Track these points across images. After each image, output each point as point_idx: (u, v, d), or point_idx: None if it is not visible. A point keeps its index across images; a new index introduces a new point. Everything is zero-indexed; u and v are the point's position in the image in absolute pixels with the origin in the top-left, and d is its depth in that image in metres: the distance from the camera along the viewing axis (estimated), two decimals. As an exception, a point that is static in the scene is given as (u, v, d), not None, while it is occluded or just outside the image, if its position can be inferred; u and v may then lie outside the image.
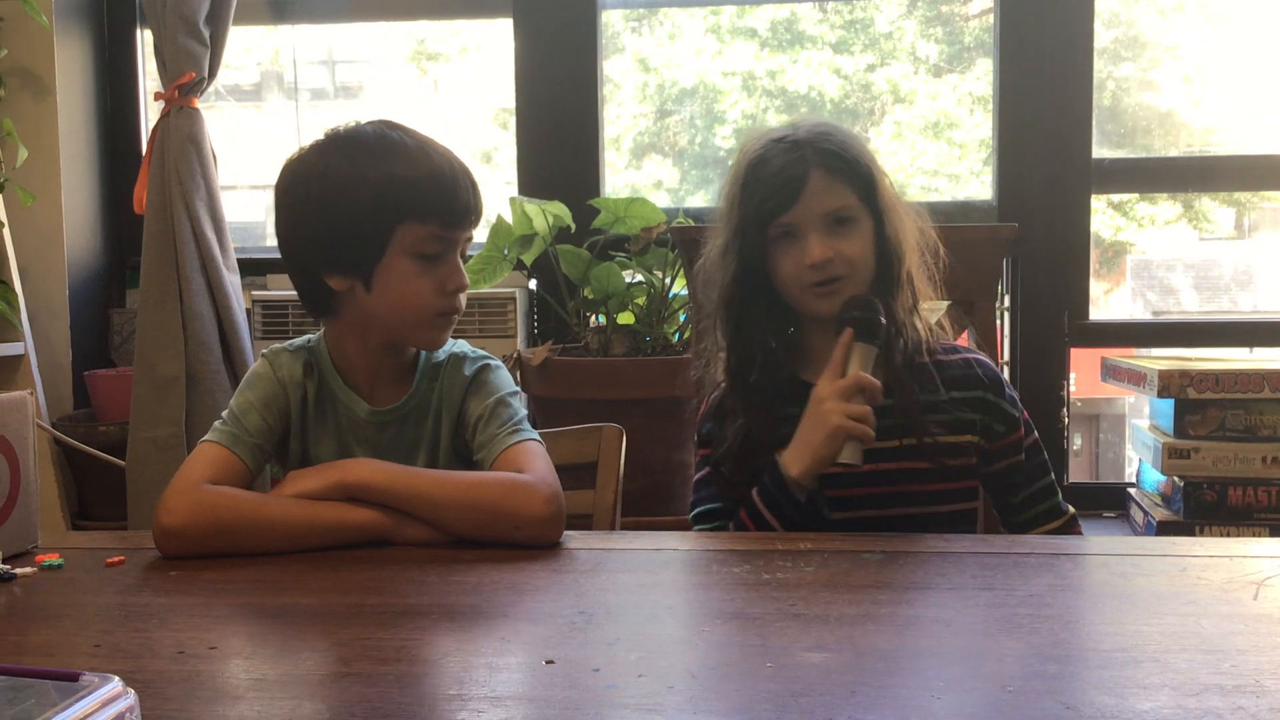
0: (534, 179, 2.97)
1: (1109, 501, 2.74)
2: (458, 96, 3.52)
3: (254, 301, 2.85)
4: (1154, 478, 2.44)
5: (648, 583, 1.19)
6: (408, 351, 1.48)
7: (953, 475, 1.49)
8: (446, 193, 1.38)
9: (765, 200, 1.46)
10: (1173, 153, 3.18)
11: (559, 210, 2.65)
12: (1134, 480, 2.63)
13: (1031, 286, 2.80)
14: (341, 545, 1.31)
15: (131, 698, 0.68)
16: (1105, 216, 3.50)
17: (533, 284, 2.93)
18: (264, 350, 1.50)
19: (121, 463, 2.72)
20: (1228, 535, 2.25)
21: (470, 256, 2.57)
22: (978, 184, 3.12)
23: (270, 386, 1.45)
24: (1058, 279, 2.79)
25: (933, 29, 3.20)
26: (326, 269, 1.39)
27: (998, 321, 2.57)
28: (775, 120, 3.26)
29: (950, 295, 1.64)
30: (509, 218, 2.65)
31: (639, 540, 1.36)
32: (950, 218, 2.10)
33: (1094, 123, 2.80)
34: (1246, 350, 2.90)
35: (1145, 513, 2.41)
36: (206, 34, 2.77)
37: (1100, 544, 1.35)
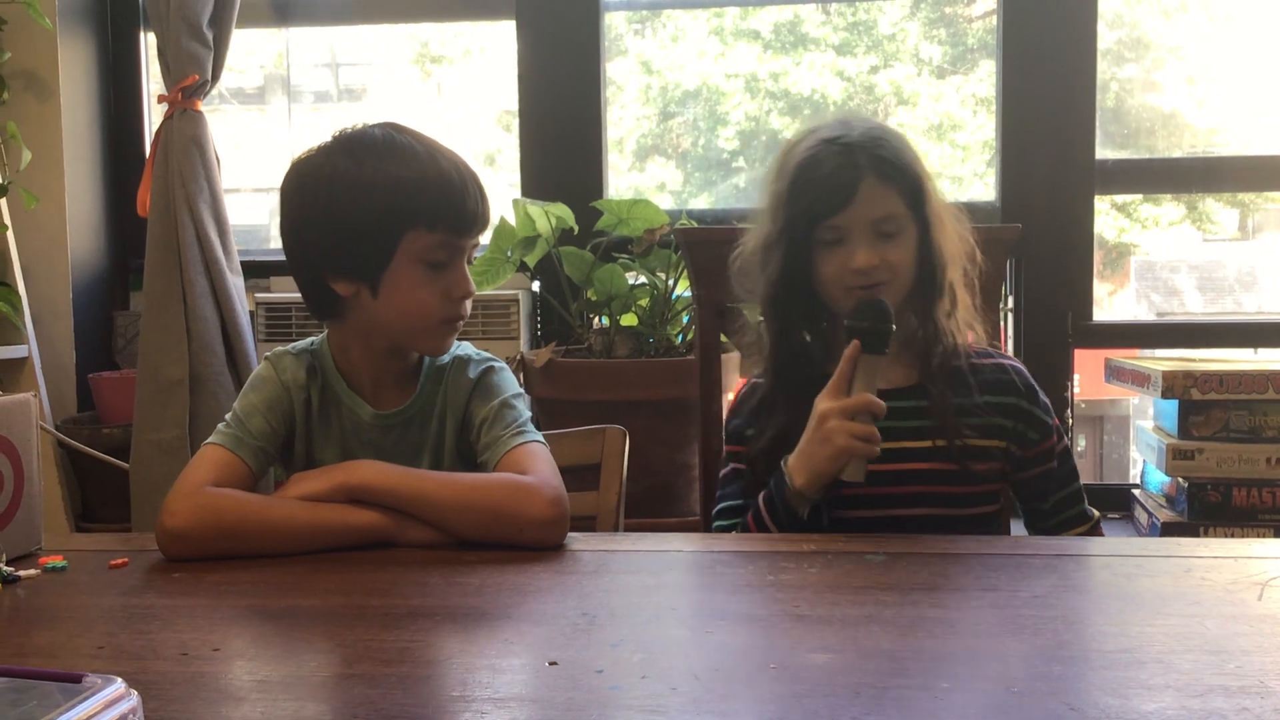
0: (537, 181, 2.97)
1: (1113, 503, 2.74)
2: (461, 99, 3.53)
3: (257, 304, 2.85)
4: (1158, 479, 2.43)
5: (651, 584, 1.19)
6: (411, 355, 1.48)
7: (978, 479, 1.49)
8: (455, 200, 1.38)
9: (816, 202, 1.45)
10: (1176, 154, 3.18)
11: (562, 212, 2.65)
12: (1138, 481, 2.62)
13: (1035, 288, 2.79)
14: (345, 547, 1.31)
15: (135, 699, 0.68)
16: (1109, 218, 3.50)
17: (536, 286, 2.93)
18: (267, 353, 1.50)
19: (125, 465, 2.72)
20: (1232, 536, 2.24)
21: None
22: (981, 185, 3.12)
23: (274, 389, 1.44)
24: (1061, 280, 2.79)
25: (936, 30, 3.20)
26: (332, 274, 1.39)
27: (1001, 323, 2.57)
28: (779, 122, 3.27)
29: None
30: (512, 219, 2.65)
31: (642, 542, 1.35)
32: (954, 219, 2.09)
33: (1097, 124, 2.79)
34: (1251, 351, 2.90)
35: (1149, 514, 2.41)
36: (210, 36, 2.77)
37: (1104, 545, 1.35)
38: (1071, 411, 2.77)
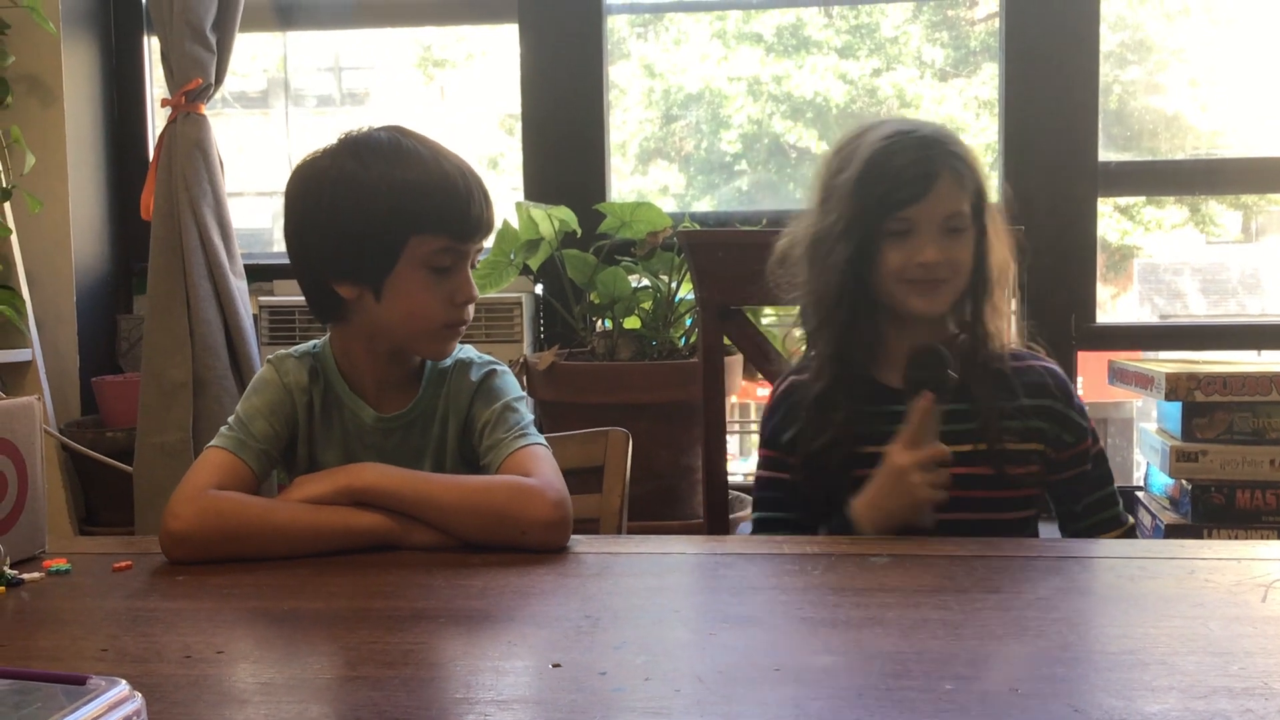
0: (540, 184, 2.98)
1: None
2: (464, 102, 3.53)
3: (261, 307, 2.86)
4: (1161, 481, 2.43)
5: (654, 586, 1.19)
6: (414, 358, 1.48)
7: (1016, 483, 1.49)
8: (460, 205, 1.37)
9: (892, 191, 1.45)
10: (1179, 156, 3.18)
11: (565, 215, 2.65)
12: (1142, 484, 2.62)
13: (1038, 290, 2.79)
14: (348, 550, 1.31)
15: (138, 701, 0.68)
16: (1112, 220, 3.50)
17: (539, 289, 2.93)
18: (270, 356, 1.50)
19: (128, 468, 2.73)
20: (1235, 538, 2.24)
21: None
22: (984, 188, 3.11)
23: (276, 392, 1.45)
24: (1064, 282, 2.79)
25: (938, 33, 3.20)
26: (337, 276, 1.39)
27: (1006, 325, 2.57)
28: (781, 125, 3.27)
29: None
30: (515, 223, 2.66)
31: (645, 544, 1.35)
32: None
33: (1100, 126, 2.79)
34: (1254, 353, 2.89)
35: (1153, 516, 2.41)
36: (213, 40, 2.78)
37: (1108, 547, 1.35)
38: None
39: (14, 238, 2.73)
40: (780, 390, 1.60)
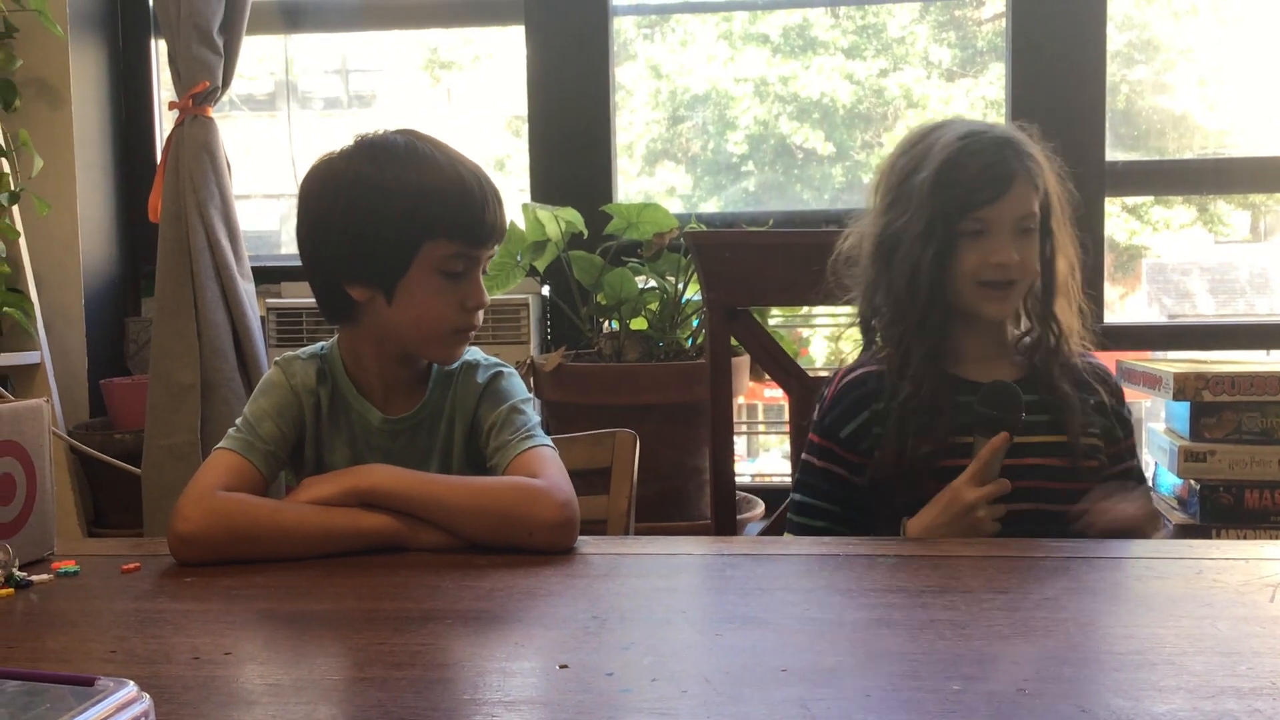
0: (546, 185, 2.98)
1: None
2: (470, 104, 3.54)
3: (268, 309, 2.86)
4: (1170, 481, 2.42)
5: (661, 587, 1.19)
6: (421, 360, 1.48)
7: (1086, 475, 1.51)
8: (475, 211, 1.38)
9: (971, 192, 1.47)
10: (1187, 155, 3.17)
11: (571, 216, 2.65)
12: (1150, 484, 2.61)
13: (1045, 290, 2.78)
14: (356, 551, 1.31)
15: (147, 702, 0.68)
16: (1120, 220, 3.49)
17: (545, 290, 2.93)
18: (277, 358, 1.50)
19: (137, 470, 2.73)
20: (1243, 538, 2.23)
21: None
22: (991, 188, 3.11)
23: (284, 394, 1.45)
24: (1072, 282, 2.78)
25: (945, 33, 3.20)
26: (349, 279, 1.39)
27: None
28: (788, 126, 3.27)
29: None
30: (522, 224, 2.66)
31: (653, 545, 1.35)
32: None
33: (1107, 126, 2.79)
34: (1263, 353, 2.89)
35: (1161, 516, 2.40)
36: (220, 43, 2.78)
37: (1115, 547, 1.34)
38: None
39: (22, 240, 2.74)
40: (846, 382, 1.59)
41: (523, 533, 1.30)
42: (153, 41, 3.16)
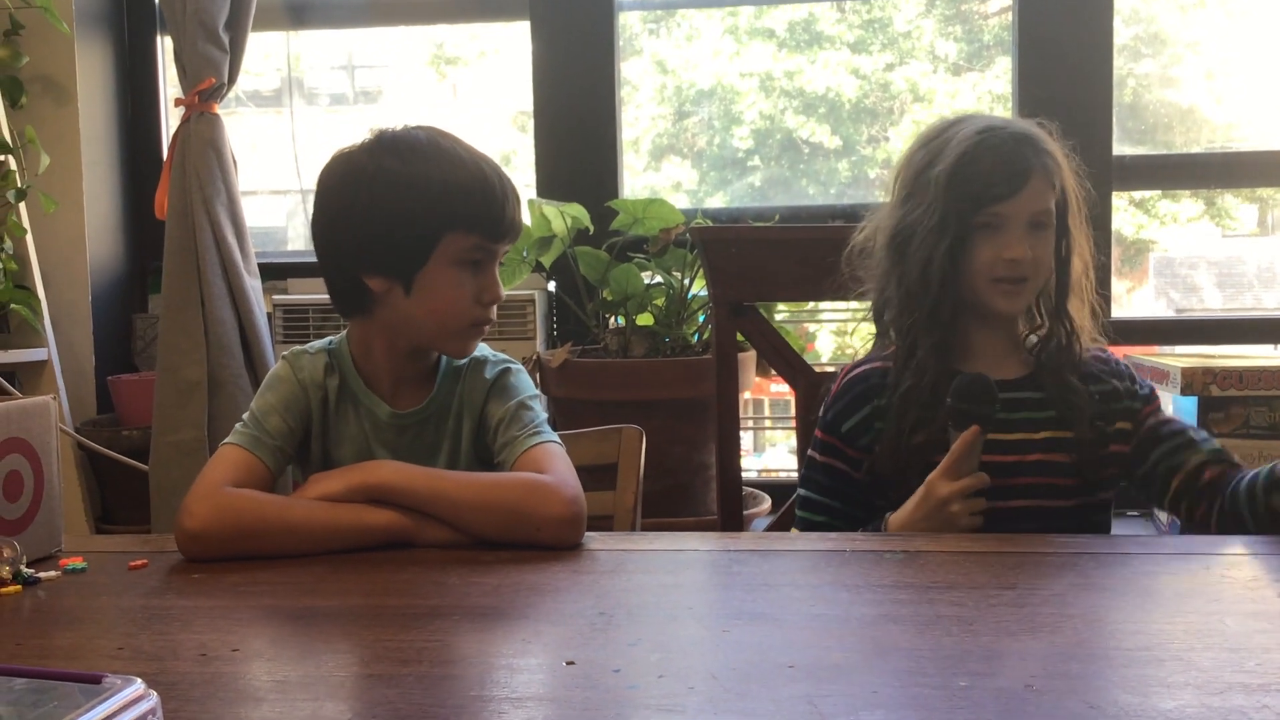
0: (552, 181, 2.98)
1: (1132, 500, 2.72)
2: (476, 100, 3.53)
3: (275, 306, 2.87)
4: (1178, 476, 2.42)
5: (668, 583, 1.19)
6: (430, 355, 1.49)
7: (1091, 471, 1.51)
8: (495, 205, 1.39)
9: (989, 185, 1.47)
10: (1194, 149, 3.16)
11: (577, 212, 2.65)
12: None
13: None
14: (363, 547, 1.31)
15: (154, 700, 0.69)
16: (1127, 214, 3.48)
17: (551, 286, 2.93)
18: (284, 353, 1.50)
19: (144, 467, 2.74)
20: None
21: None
22: (998, 182, 3.10)
23: (291, 389, 1.45)
24: (1079, 277, 2.77)
25: (951, 27, 3.19)
26: (367, 270, 1.39)
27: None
28: (794, 121, 3.26)
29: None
30: (528, 220, 2.66)
31: (659, 541, 1.35)
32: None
33: (1115, 120, 2.78)
34: (1271, 347, 2.88)
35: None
36: (226, 40, 2.79)
37: (1123, 542, 1.34)
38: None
39: (29, 237, 2.75)
40: (848, 378, 1.59)
41: (530, 529, 1.30)
42: (158, 38, 3.17)
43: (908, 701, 0.82)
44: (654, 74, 3.32)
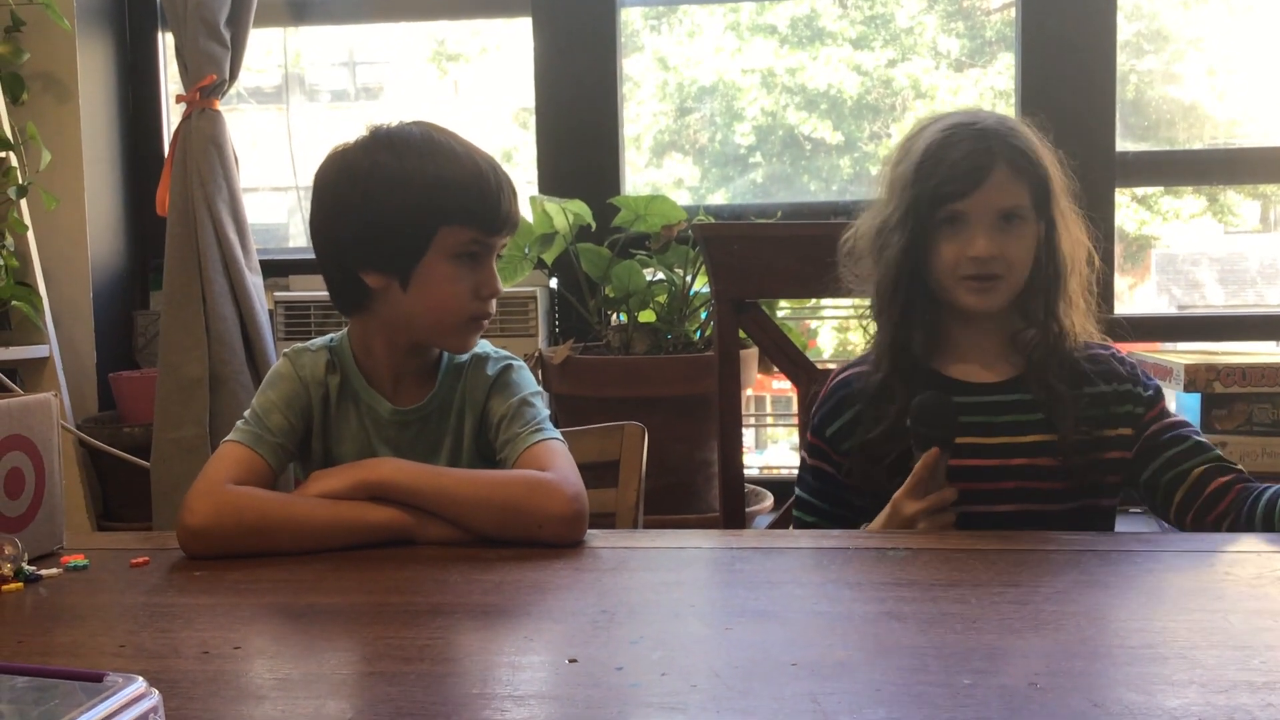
0: (554, 178, 2.97)
1: (1136, 497, 2.72)
2: (477, 96, 3.53)
3: (276, 302, 2.86)
4: (1180, 473, 2.42)
5: (670, 581, 1.19)
6: (431, 352, 1.49)
7: (1080, 474, 1.48)
8: (490, 199, 1.39)
9: (944, 184, 1.44)
10: (1197, 145, 3.15)
11: (579, 209, 2.65)
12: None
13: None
14: (365, 544, 1.31)
15: (156, 698, 0.68)
16: (1129, 210, 3.48)
17: (553, 283, 2.93)
18: (286, 350, 1.50)
19: (146, 464, 2.74)
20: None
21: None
22: (1000, 179, 3.09)
23: (292, 386, 1.45)
24: (1081, 274, 2.77)
25: (954, 23, 3.19)
26: (364, 266, 1.39)
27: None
28: (795, 117, 3.26)
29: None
30: (529, 217, 2.65)
31: (661, 539, 1.35)
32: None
33: (1117, 116, 2.78)
34: (1274, 344, 2.88)
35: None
36: (227, 36, 2.78)
37: (1127, 540, 1.34)
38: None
39: (30, 234, 2.74)
40: (833, 382, 1.59)
41: (532, 526, 1.30)
42: (160, 35, 3.16)
43: (911, 699, 0.81)
44: (656, 70, 3.32)
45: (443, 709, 0.82)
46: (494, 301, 1.44)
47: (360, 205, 1.37)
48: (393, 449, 1.45)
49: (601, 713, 0.81)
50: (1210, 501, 1.46)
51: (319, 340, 1.50)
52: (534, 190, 2.95)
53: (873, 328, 1.60)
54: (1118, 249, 2.85)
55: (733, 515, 2.06)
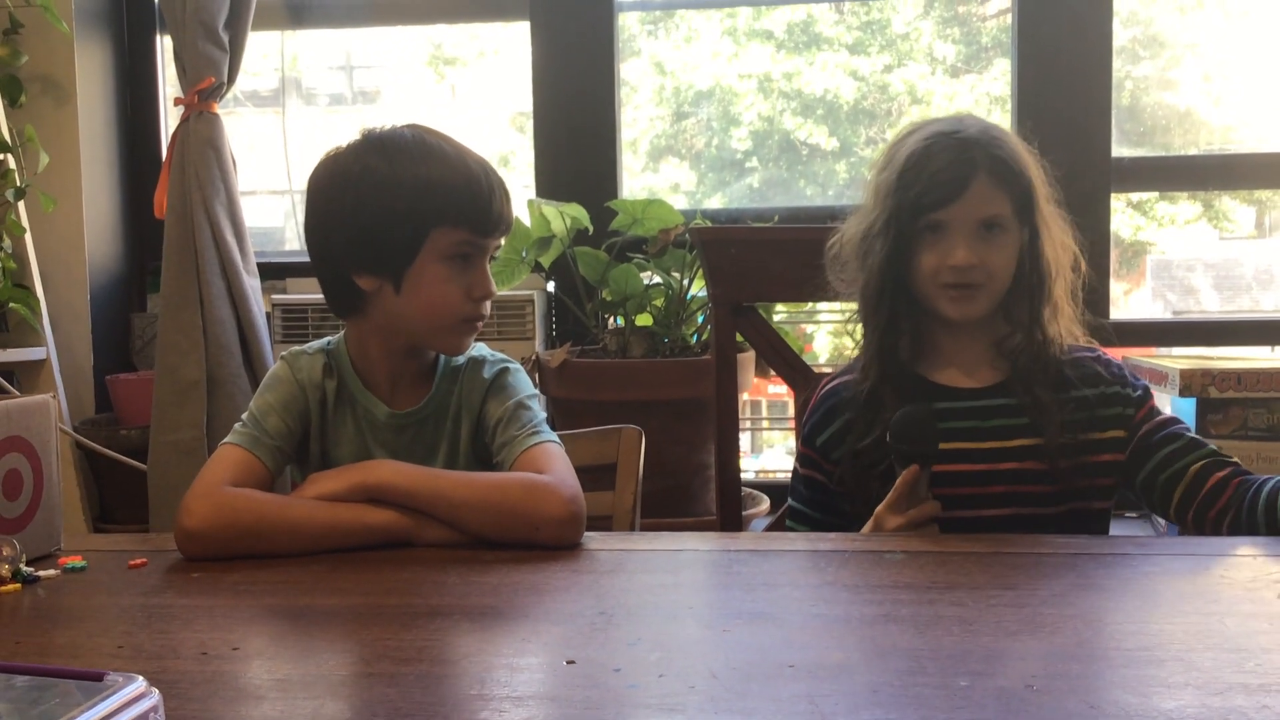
0: (551, 182, 2.98)
1: (1132, 501, 2.72)
2: (475, 100, 3.53)
3: (274, 305, 2.86)
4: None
5: (668, 583, 1.19)
6: (428, 354, 1.49)
7: (1066, 477, 1.47)
8: (481, 200, 1.39)
9: (925, 194, 1.44)
10: (1192, 151, 3.16)
11: (577, 212, 2.65)
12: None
13: (1051, 286, 2.78)
14: (363, 547, 1.31)
15: (156, 697, 0.69)
16: (1125, 216, 3.48)
17: (551, 286, 2.93)
18: (283, 353, 1.50)
19: (143, 466, 2.74)
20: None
21: (488, 259, 2.58)
22: (996, 184, 3.10)
23: (289, 388, 1.45)
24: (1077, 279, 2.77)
25: (950, 29, 3.19)
26: (357, 269, 1.40)
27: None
28: (792, 122, 3.26)
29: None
30: (527, 220, 2.66)
31: (659, 541, 1.36)
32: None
33: (1113, 122, 2.78)
34: (1268, 349, 2.88)
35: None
36: (225, 39, 2.79)
37: (1122, 543, 1.34)
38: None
39: (28, 236, 2.74)
40: (823, 391, 1.60)
41: (529, 528, 1.30)
42: (158, 37, 3.16)
43: (908, 701, 0.82)
44: (653, 75, 3.32)
45: (440, 710, 0.82)
46: (488, 303, 1.44)
47: (352, 208, 1.38)
48: (389, 452, 1.45)
49: (599, 714, 0.81)
50: (1210, 497, 1.45)
51: (316, 343, 1.50)
52: (531, 194, 2.96)
53: (859, 333, 1.60)
54: (1113, 254, 2.86)
55: (729, 518, 2.06)
